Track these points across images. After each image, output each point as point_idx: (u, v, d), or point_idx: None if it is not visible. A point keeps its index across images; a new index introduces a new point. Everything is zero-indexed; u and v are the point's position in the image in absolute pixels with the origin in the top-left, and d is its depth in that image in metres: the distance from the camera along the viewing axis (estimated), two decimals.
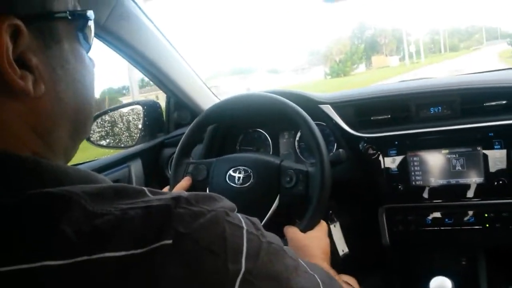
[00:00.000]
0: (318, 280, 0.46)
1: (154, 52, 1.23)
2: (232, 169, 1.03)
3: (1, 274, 0.29)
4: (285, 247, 0.44)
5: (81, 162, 1.26)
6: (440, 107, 1.15)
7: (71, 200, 0.33)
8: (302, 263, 0.46)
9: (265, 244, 0.39)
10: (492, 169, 1.08)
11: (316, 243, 0.86)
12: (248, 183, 1.00)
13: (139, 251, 0.31)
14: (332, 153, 1.04)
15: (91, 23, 0.47)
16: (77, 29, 0.45)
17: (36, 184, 0.34)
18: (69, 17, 0.42)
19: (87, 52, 0.48)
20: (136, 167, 1.31)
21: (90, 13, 0.46)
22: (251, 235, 0.38)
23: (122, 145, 1.39)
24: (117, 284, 0.30)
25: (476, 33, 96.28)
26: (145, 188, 0.39)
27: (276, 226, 0.86)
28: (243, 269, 0.35)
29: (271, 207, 0.97)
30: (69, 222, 0.31)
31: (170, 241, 0.32)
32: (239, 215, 0.40)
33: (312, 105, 1.21)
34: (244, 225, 0.39)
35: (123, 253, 0.31)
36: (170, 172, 1.30)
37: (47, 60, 0.40)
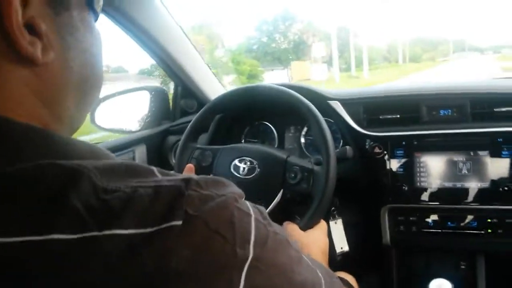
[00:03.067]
0: (320, 275, 0.45)
1: (164, 36, 1.23)
2: (238, 159, 1.03)
3: (6, 245, 0.28)
4: (289, 239, 0.44)
5: None
6: (450, 110, 1.15)
7: (82, 174, 0.32)
8: (305, 257, 0.45)
9: (271, 234, 0.39)
10: (499, 174, 1.07)
11: (315, 242, 0.85)
12: (253, 175, 1.00)
13: (148, 230, 0.31)
14: (338, 149, 1.04)
15: None
16: None
17: (45, 155, 0.33)
18: None
19: (95, 21, 0.47)
20: (140, 152, 1.31)
21: None
22: (259, 223, 0.38)
23: (128, 130, 1.38)
24: (125, 262, 0.30)
25: (442, 44, 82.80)
26: (154, 168, 0.38)
27: (276, 221, 0.86)
28: (251, 255, 0.34)
29: (272, 201, 0.96)
30: (79, 197, 0.30)
31: (179, 222, 0.32)
32: (247, 202, 0.40)
33: (321, 101, 1.21)
34: (252, 212, 0.38)
35: (131, 231, 0.30)
36: (174, 159, 1.30)
37: (57, 27, 0.39)
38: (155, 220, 0.31)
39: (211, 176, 0.39)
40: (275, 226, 0.41)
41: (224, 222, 0.34)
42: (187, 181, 0.35)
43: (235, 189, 0.40)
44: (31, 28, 0.36)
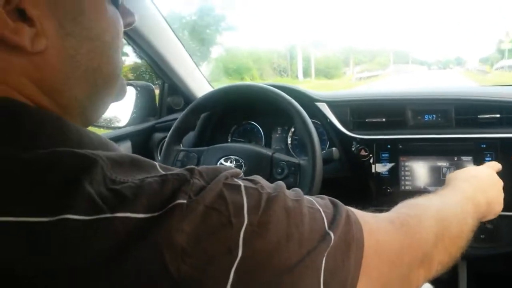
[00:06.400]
0: (323, 215, 0.43)
1: (152, 32, 1.21)
2: (224, 158, 1.02)
3: (21, 224, 0.29)
4: (293, 189, 0.44)
5: None
6: (434, 115, 1.16)
7: (96, 162, 0.32)
8: (308, 199, 0.44)
9: (264, 195, 0.39)
10: None
11: None
12: None
13: (156, 213, 0.32)
14: (324, 151, 1.04)
15: None
16: None
17: (60, 143, 0.34)
18: None
19: (117, 6, 0.44)
20: (125, 148, 1.29)
21: None
22: (250, 189, 0.38)
23: (113, 125, 1.36)
24: (136, 240, 0.30)
25: (380, 55, 65.00)
26: (156, 163, 0.38)
27: None
28: (246, 221, 0.35)
29: None
30: (92, 183, 0.31)
31: (184, 201, 0.33)
32: (236, 178, 0.40)
33: (308, 102, 1.21)
34: (241, 182, 0.39)
35: (141, 215, 0.31)
36: (159, 157, 1.28)
37: (52, 11, 0.36)
38: (163, 202, 0.32)
39: (211, 166, 0.40)
40: (270, 186, 0.41)
41: (216, 198, 0.35)
42: (191, 170, 0.37)
43: (229, 171, 0.40)
44: (24, 13, 0.34)
